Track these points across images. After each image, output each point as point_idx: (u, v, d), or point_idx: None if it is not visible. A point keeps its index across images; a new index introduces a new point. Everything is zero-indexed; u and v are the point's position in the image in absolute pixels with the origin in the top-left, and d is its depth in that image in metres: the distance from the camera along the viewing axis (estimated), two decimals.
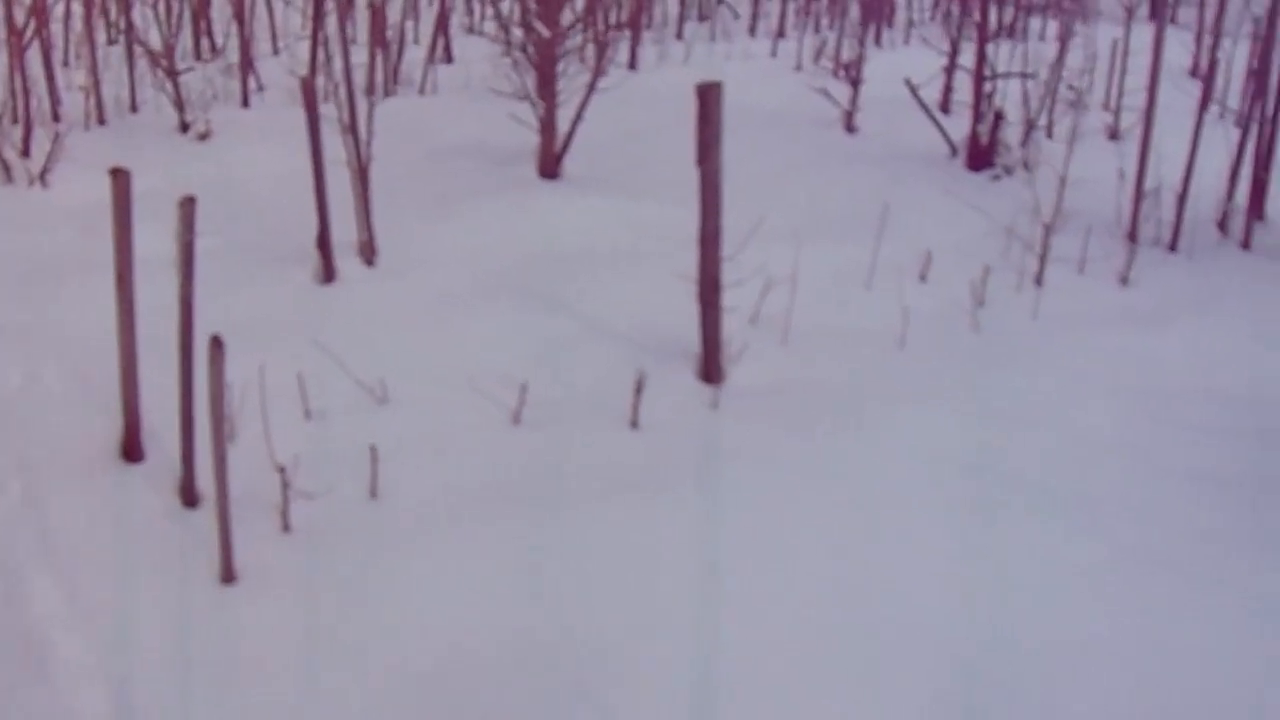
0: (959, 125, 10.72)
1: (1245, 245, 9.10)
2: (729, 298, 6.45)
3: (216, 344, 4.53)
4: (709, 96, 6.10)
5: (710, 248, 6.31)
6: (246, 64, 11.72)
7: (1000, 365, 6.94)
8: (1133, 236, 8.91)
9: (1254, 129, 9.26)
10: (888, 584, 5.04)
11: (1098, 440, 6.22)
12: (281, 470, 5.01)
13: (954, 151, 10.46)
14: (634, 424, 5.97)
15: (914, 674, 4.62)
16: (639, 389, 5.93)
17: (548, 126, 9.41)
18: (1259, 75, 9.14)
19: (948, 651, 4.73)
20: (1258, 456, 6.17)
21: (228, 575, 4.78)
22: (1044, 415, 6.42)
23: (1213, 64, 9.60)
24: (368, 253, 7.71)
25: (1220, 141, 9.30)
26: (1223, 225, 9.31)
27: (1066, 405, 6.54)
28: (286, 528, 5.10)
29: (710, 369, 6.42)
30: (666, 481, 5.59)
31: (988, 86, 10.20)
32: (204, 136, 10.26)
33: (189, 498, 5.24)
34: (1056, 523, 5.52)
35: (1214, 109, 9.60)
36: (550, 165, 9.45)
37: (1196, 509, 5.68)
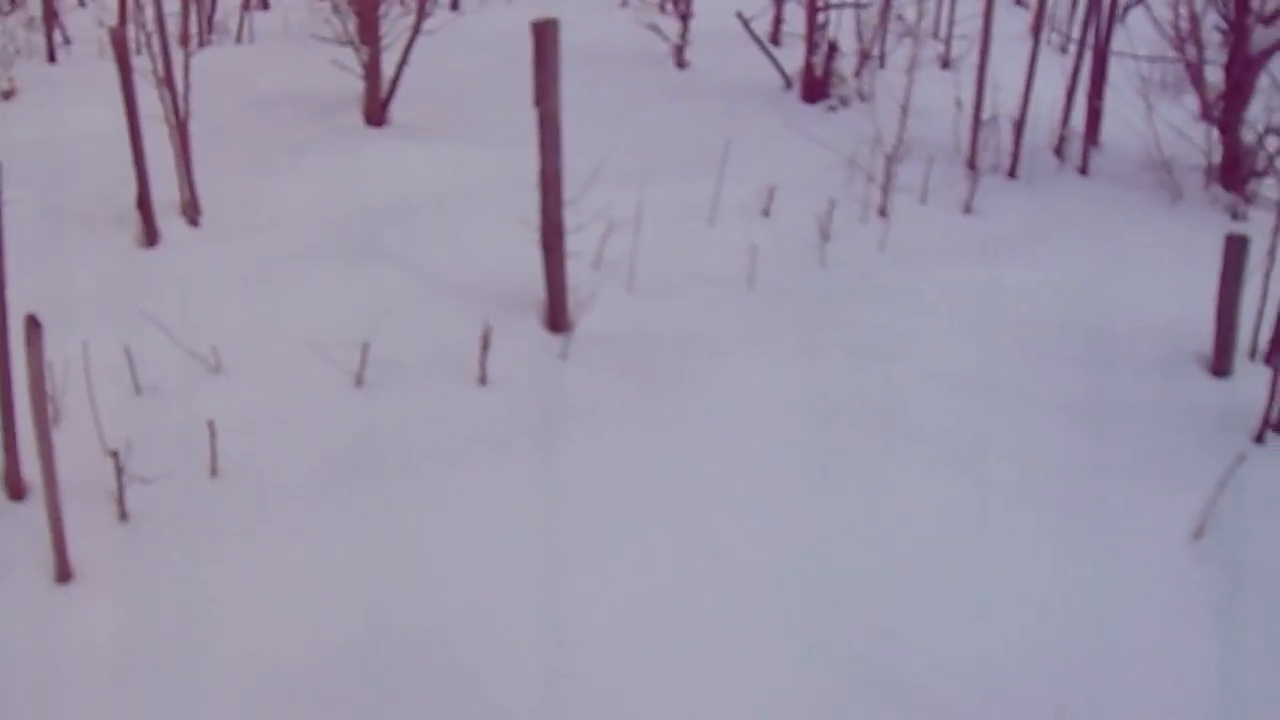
0: (791, 58, 10.56)
1: (1083, 170, 9.11)
2: (571, 242, 6.23)
3: (33, 324, 4.20)
4: (545, 35, 5.84)
5: (551, 192, 6.07)
6: (51, 16, 11.15)
7: (851, 301, 6.83)
8: (972, 165, 8.86)
9: (1087, 54, 9.25)
10: (753, 538, 4.90)
11: (958, 374, 6.13)
12: (114, 455, 4.69)
13: (789, 84, 10.32)
14: (482, 380, 5.74)
15: (789, 631, 4.50)
16: (485, 344, 5.70)
17: (372, 72, 9.07)
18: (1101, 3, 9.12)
19: (825, 604, 4.61)
20: (1120, 385, 6.13)
21: (63, 573, 4.46)
22: (901, 351, 6.32)
23: None
24: (191, 212, 7.35)
25: (1052, 68, 9.27)
26: (1059, 151, 9.31)
27: (922, 340, 6.45)
28: (123, 516, 4.79)
29: (557, 318, 6.21)
30: (518, 441, 5.38)
31: (821, 17, 10.05)
32: (8, 95, 9.73)
33: (14, 490, 4.88)
34: (927, 463, 5.43)
35: (1040, 35, 9.57)
36: (377, 112, 9.12)
37: (1069, 442, 5.63)
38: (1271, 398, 5.66)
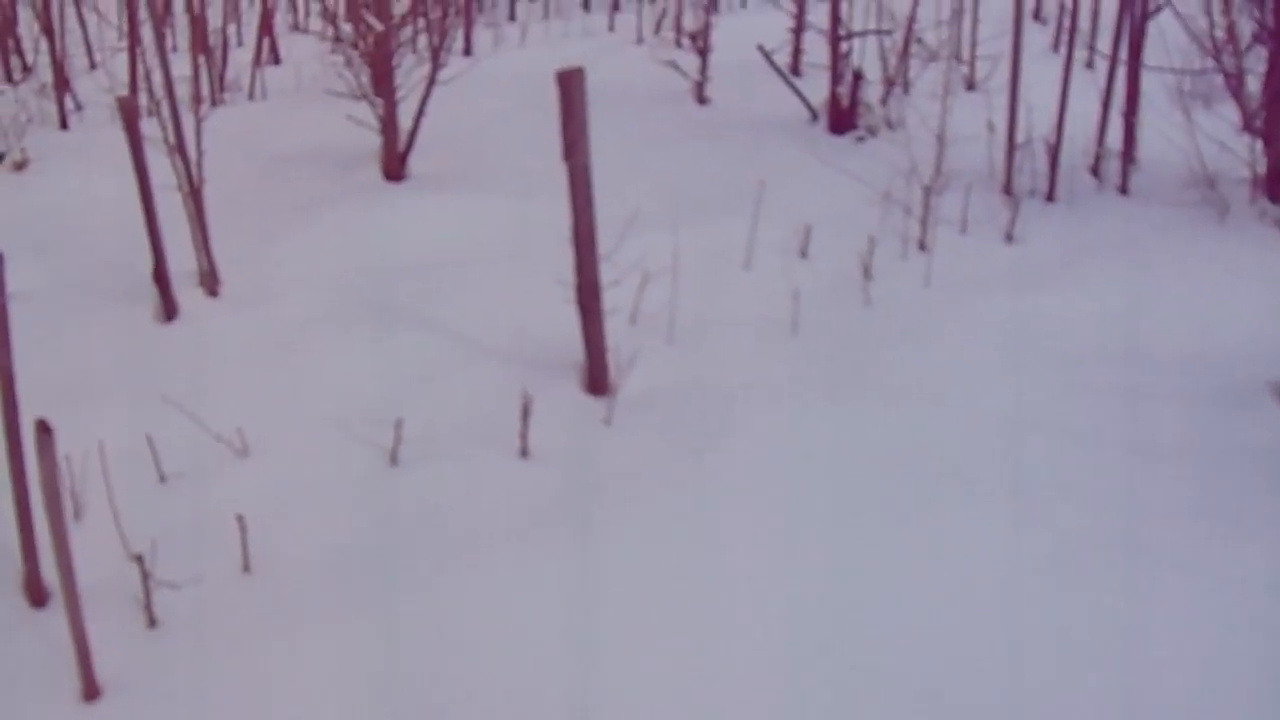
0: (814, 88, 10.30)
1: (1123, 190, 8.84)
2: (607, 298, 5.96)
3: (44, 430, 3.93)
4: (571, 84, 5.55)
5: (586, 249, 5.81)
6: (62, 82, 10.96)
7: (901, 342, 6.57)
8: (1008, 190, 8.61)
9: (1117, 68, 8.99)
10: (804, 607, 4.63)
11: (1019, 415, 5.87)
12: (139, 559, 4.44)
13: (814, 116, 10.07)
14: (523, 453, 5.47)
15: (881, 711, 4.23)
16: (525, 414, 5.42)
17: (389, 125, 8.85)
18: (1131, 14, 8.85)
19: (907, 675, 4.35)
20: (1187, 419, 5.85)
21: (90, 690, 4.20)
22: (957, 393, 6.07)
23: (1076, 6, 9.32)
24: (210, 283, 7.12)
25: (1079, 84, 8.97)
26: (1097, 171, 9.05)
27: (978, 379, 6.19)
28: (152, 622, 4.53)
29: (598, 381, 5.94)
30: (563, 521, 5.08)
31: (844, 46, 9.81)
32: (20, 166, 9.51)
33: (35, 596, 4.62)
34: (994, 512, 5.16)
35: (1063, 52, 9.32)
36: (395, 167, 8.89)
37: (1139, 484, 5.35)
38: None
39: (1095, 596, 4.71)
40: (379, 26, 8.74)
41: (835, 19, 9.71)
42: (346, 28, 9.11)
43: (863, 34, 10.01)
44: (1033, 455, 5.59)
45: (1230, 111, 9.03)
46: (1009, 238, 7.97)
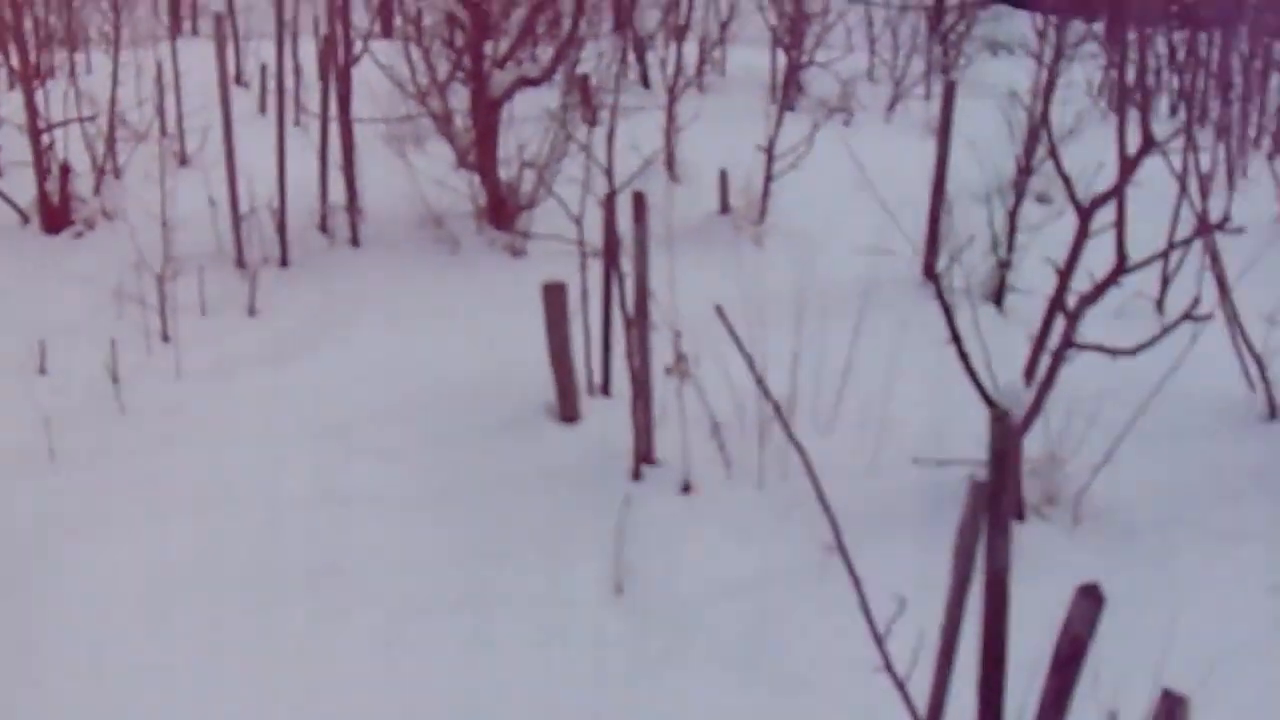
0: (17, 188, 9.57)
1: (354, 242, 8.89)
2: None
3: None
4: None
5: None
6: None
7: (168, 446, 6.23)
8: (241, 264, 8.42)
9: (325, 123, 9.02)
10: None
11: (321, 493, 5.72)
12: None
13: (25, 219, 9.41)
14: None
15: None
16: None
17: None
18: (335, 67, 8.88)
19: None
20: (485, 458, 6.00)
21: None
22: (248, 487, 5.84)
23: (281, 67, 9.27)
24: None
25: (291, 143, 8.87)
26: (325, 228, 9.04)
27: (264, 467, 5.99)
28: None
29: None
30: None
31: (45, 138, 9.25)
32: None
33: None
34: (316, 598, 5.01)
35: (272, 114, 9.27)
36: None
37: (450, 539, 5.40)
38: (637, 434, 5.67)
39: (444, 668, 4.65)
40: None
41: (33, 110, 9.13)
42: None
43: (64, 124, 9.49)
44: (346, 531, 5.47)
45: (444, 150, 9.27)
46: (251, 312, 7.82)
